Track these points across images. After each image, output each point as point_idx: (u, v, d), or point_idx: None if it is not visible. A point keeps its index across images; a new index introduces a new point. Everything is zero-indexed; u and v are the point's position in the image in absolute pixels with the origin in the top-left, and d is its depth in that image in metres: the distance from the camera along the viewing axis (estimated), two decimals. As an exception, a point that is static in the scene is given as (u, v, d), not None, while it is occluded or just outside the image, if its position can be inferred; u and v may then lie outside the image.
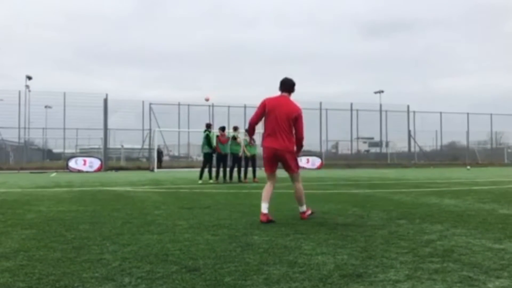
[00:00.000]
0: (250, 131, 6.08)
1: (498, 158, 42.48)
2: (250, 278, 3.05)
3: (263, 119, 5.85)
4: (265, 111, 5.74)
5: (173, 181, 15.64)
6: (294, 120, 5.69)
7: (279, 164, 5.83)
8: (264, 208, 5.56)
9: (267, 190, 5.75)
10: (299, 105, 5.89)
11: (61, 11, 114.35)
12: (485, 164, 38.84)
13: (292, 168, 5.82)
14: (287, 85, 5.87)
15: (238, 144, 14.78)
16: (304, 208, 5.90)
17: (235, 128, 15.87)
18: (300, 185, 5.89)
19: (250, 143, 13.64)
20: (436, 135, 42.21)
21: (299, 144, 5.89)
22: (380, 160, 40.81)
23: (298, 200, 5.89)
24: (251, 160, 15.25)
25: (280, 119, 5.64)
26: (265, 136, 5.79)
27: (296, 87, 5.92)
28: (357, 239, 4.42)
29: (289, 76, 5.93)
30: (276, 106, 5.69)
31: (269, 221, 5.46)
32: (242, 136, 15.48)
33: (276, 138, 5.66)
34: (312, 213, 5.96)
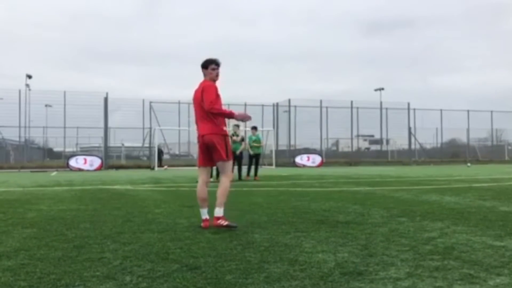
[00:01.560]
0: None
1: (498, 155, 42.47)
2: (251, 277, 3.05)
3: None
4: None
5: (174, 179, 15.65)
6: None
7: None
8: (204, 213, 5.03)
9: (201, 191, 5.12)
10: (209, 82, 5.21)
11: (61, 10, 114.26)
12: (486, 161, 38.85)
13: (221, 154, 5.06)
14: (202, 68, 5.29)
15: (237, 142, 14.80)
16: (220, 211, 4.94)
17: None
18: (227, 180, 5.12)
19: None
20: (436, 133, 42.22)
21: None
22: (381, 157, 40.84)
23: (218, 196, 5.02)
24: (255, 159, 15.31)
25: (196, 105, 5.20)
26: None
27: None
28: (357, 237, 4.42)
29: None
30: (194, 94, 5.27)
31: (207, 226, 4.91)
32: (243, 134, 15.58)
33: (198, 126, 5.20)
34: (229, 226, 4.86)
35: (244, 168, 15.42)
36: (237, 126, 15.45)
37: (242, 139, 14.99)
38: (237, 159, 14.86)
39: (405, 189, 10.25)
